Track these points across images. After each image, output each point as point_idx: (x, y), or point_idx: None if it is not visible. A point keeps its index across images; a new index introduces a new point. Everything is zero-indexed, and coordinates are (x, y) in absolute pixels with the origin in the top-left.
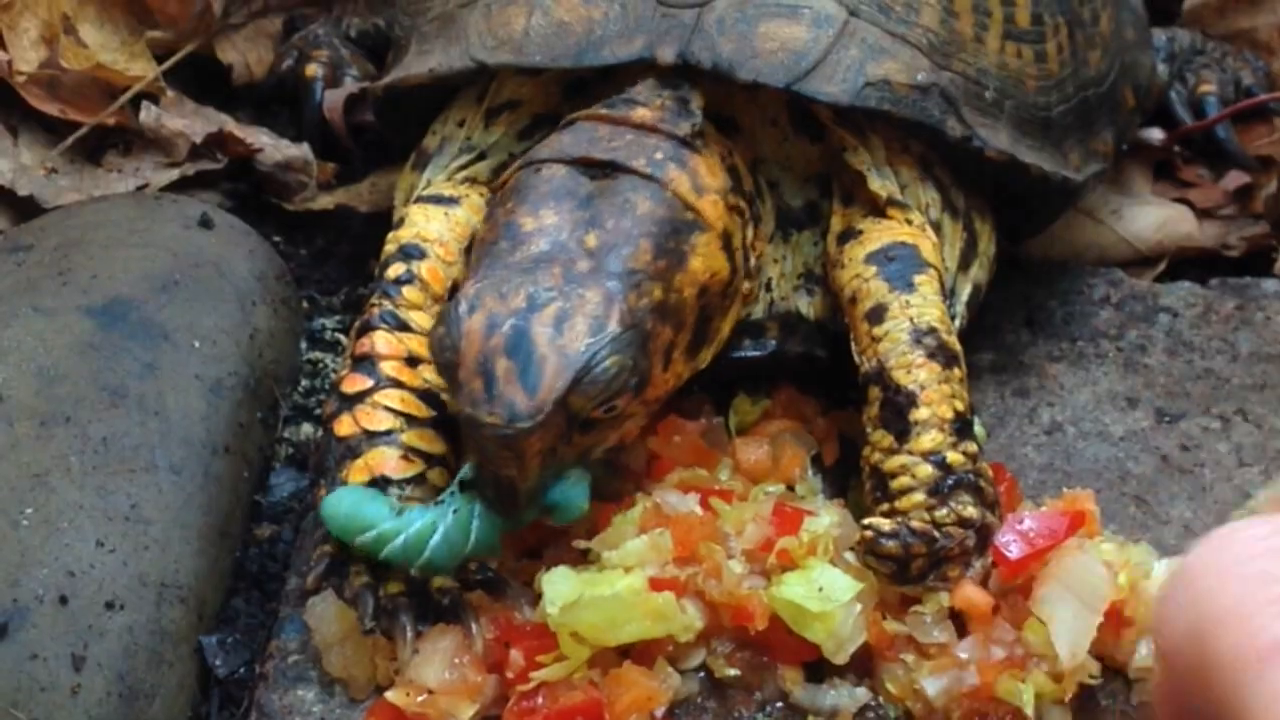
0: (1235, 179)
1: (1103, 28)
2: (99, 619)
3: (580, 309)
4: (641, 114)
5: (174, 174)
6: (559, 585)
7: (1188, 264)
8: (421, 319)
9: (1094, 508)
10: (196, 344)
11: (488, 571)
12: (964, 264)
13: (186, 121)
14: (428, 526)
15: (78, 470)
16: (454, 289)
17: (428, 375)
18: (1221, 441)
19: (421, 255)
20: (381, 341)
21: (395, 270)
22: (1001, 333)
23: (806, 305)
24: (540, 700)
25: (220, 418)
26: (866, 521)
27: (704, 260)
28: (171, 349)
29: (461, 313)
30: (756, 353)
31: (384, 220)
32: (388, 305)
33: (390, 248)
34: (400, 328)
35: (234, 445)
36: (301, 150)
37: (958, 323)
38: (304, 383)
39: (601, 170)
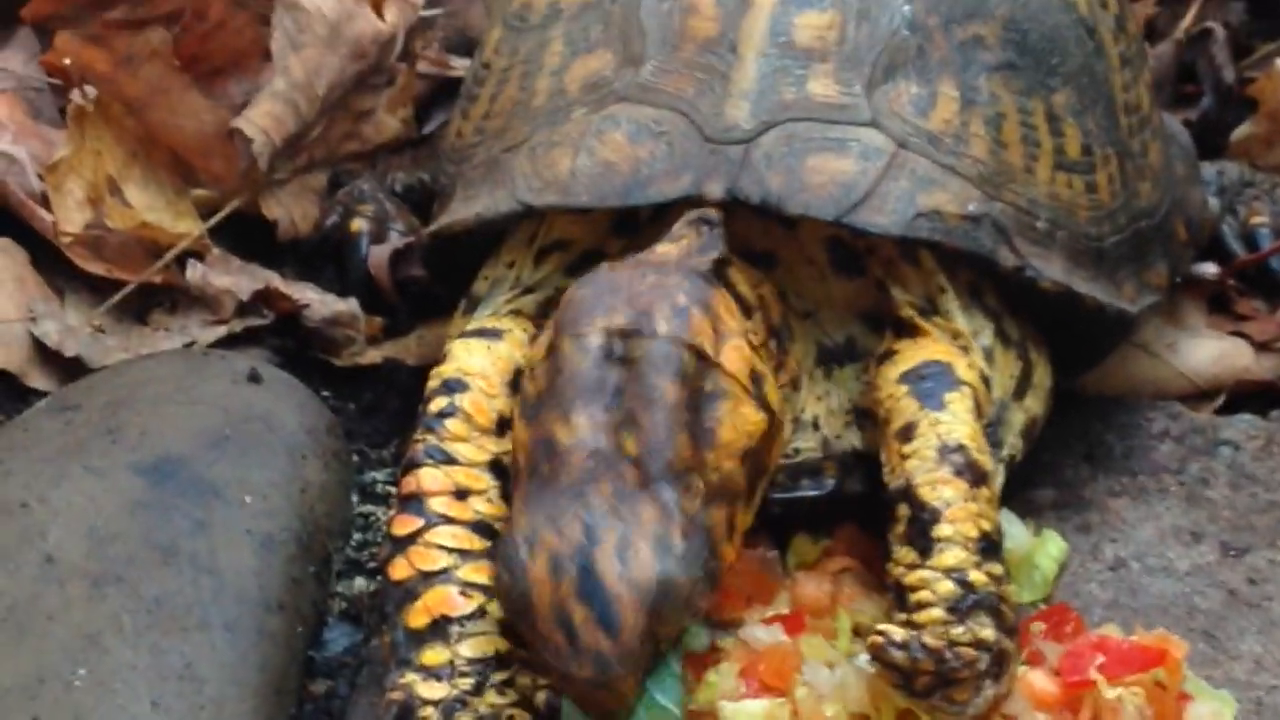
0: None
1: (1152, 160)
2: None
3: (640, 532)
4: (665, 251)
5: (221, 331)
6: None
7: (1245, 397)
8: (467, 451)
9: (1180, 655)
10: (248, 499)
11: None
12: (1019, 393)
13: (233, 279)
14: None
15: (130, 630)
16: (501, 423)
17: (478, 507)
18: None
19: (464, 388)
20: (428, 478)
21: (438, 404)
22: (1061, 468)
23: (860, 441)
24: None
25: (273, 573)
26: (880, 627)
27: (734, 427)
28: (222, 505)
29: (523, 557)
30: (815, 492)
31: (429, 370)
32: (432, 440)
33: (433, 383)
34: (446, 461)
35: (287, 601)
36: (348, 305)
37: (1007, 451)
38: (356, 536)
39: (622, 347)
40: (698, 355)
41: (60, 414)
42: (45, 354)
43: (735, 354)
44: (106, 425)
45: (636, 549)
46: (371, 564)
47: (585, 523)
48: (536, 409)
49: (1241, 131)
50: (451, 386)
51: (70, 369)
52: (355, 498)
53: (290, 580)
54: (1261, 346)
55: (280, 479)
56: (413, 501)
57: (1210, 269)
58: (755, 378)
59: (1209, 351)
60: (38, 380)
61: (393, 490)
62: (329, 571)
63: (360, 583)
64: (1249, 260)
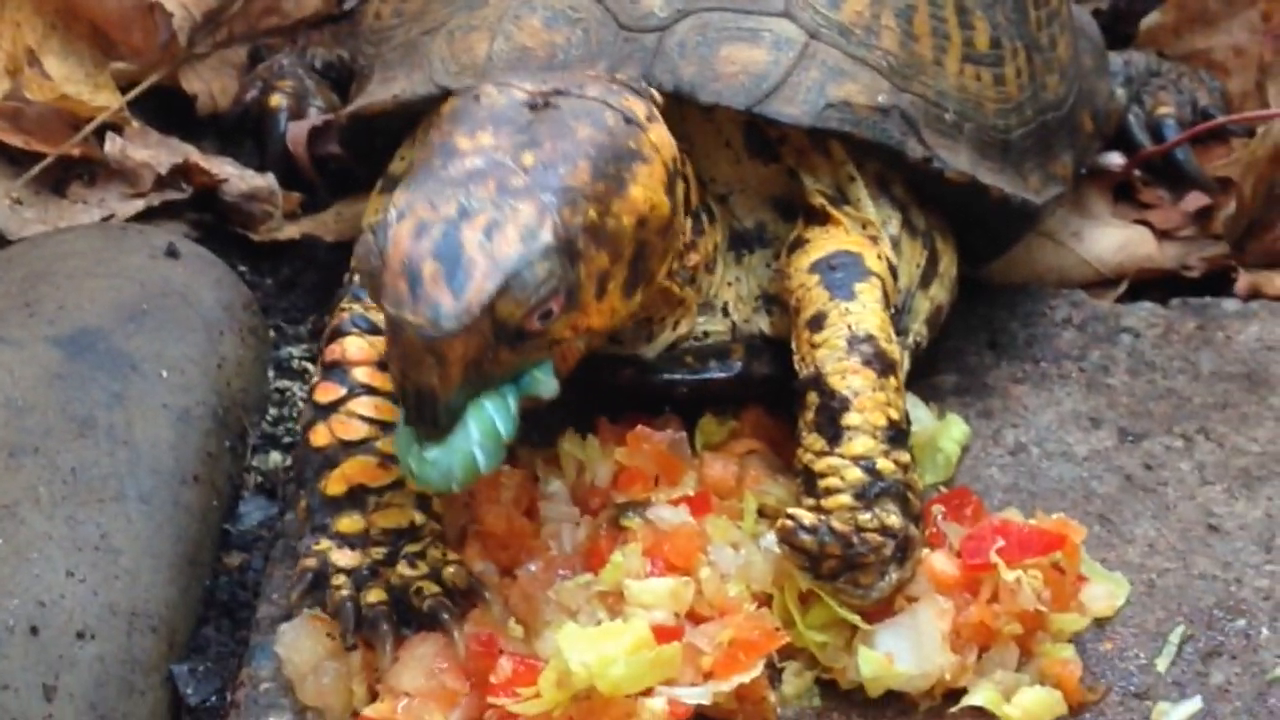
0: (1194, 200)
1: (1060, 53)
2: (70, 649)
3: (512, 219)
4: (596, 74)
5: (139, 204)
6: (577, 644)
7: (1148, 285)
8: None
9: (1078, 539)
10: (164, 373)
11: (470, 579)
12: (924, 282)
13: (151, 152)
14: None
15: (47, 501)
16: None
17: None
18: (1184, 460)
19: None
20: (353, 347)
21: None
22: (964, 355)
23: (768, 325)
24: None
25: (189, 447)
26: (789, 511)
27: (644, 190)
28: (139, 379)
29: (390, 219)
30: (723, 374)
31: (350, 249)
32: (358, 308)
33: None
34: (371, 330)
35: (203, 474)
36: (266, 180)
37: (913, 339)
38: (272, 411)
39: (545, 99)
40: (624, 118)
41: None
42: None
43: (664, 136)
44: (24, 297)
45: (504, 230)
46: (287, 439)
47: (461, 203)
48: (436, 127)
49: (1150, 20)
50: None
51: None
52: (272, 373)
53: (206, 454)
54: (1164, 235)
55: (197, 353)
56: (336, 369)
57: (1116, 159)
58: (674, 173)
59: (1113, 240)
60: None
61: (310, 366)
62: (245, 446)
63: (276, 457)
64: (1154, 151)
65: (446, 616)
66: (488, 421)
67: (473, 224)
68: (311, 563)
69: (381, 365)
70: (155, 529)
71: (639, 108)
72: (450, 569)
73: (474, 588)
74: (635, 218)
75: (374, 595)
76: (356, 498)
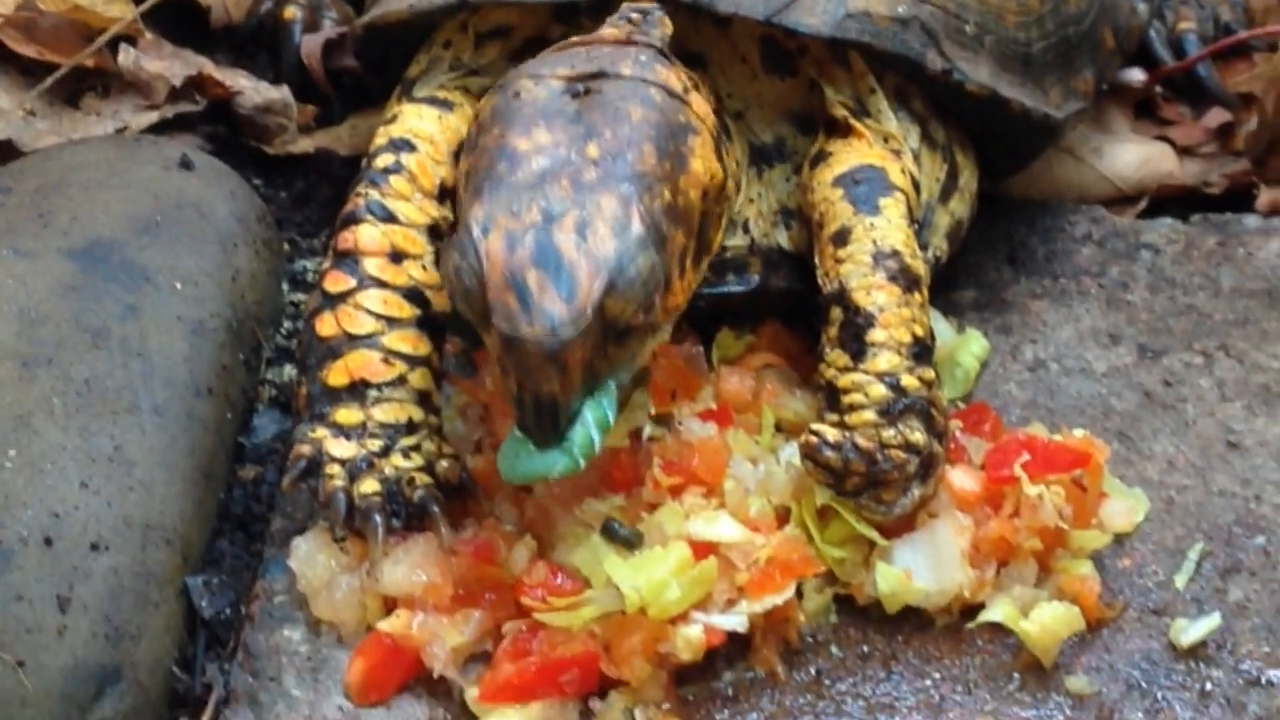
0: (1216, 116)
1: None
2: (84, 560)
3: (599, 214)
4: (612, 33)
5: (153, 116)
6: (622, 571)
7: (1169, 202)
8: (408, 210)
9: (1102, 457)
10: (178, 285)
11: (462, 475)
12: (944, 196)
13: (165, 64)
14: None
15: (60, 412)
16: (442, 191)
17: (412, 272)
18: (1204, 377)
19: (411, 149)
20: (365, 236)
21: (384, 160)
22: (984, 270)
23: (786, 240)
24: (537, 643)
25: (203, 359)
26: (813, 427)
27: (702, 161)
28: (153, 290)
29: (476, 236)
30: (740, 288)
31: (361, 161)
32: (374, 195)
33: (380, 140)
34: (386, 219)
35: (217, 387)
36: (281, 93)
37: (932, 253)
38: (286, 325)
39: (585, 85)
40: (666, 92)
41: None
42: None
43: (702, 103)
44: (37, 209)
45: (594, 227)
46: None
47: (543, 207)
48: (484, 131)
49: None
50: (399, 145)
51: (0, 152)
52: (286, 286)
53: (220, 366)
54: (1185, 151)
55: (211, 266)
56: (347, 259)
57: (1137, 75)
58: (719, 137)
59: (1133, 156)
60: None
61: None
62: (259, 359)
63: (290, 370)
64: (1176, 67)
65: (435, 509)
66: (600, 411)
67: (562, 225)
68: (306, 449)
69: (394, 256)
70: (169, 441)
71: (673, 78)
72: (444, 463)
73: (466, 484)
74: (699, 190)
75: (367, 486)
76: (357, 391)
